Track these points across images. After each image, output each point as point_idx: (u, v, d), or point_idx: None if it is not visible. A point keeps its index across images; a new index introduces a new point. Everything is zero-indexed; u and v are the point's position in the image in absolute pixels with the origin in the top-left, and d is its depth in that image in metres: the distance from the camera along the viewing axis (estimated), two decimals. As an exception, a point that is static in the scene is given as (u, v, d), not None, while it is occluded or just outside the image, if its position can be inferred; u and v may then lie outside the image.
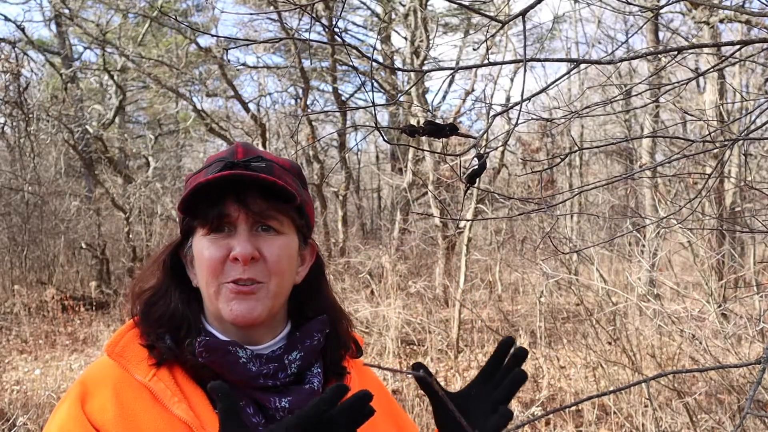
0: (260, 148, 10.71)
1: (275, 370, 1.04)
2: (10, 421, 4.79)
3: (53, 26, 14.28)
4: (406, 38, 11.18)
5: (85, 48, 14.57)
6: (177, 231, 1.14)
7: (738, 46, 1.60)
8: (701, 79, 8.71)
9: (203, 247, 1.05)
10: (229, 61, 10.27)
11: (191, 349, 1.03)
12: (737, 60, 2.57)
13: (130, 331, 1.08)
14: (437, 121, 0.88)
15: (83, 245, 11.79)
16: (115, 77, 12.31)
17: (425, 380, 0.95)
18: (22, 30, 10.52)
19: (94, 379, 1.03)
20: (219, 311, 1.04)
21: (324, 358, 1.12)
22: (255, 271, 1.03)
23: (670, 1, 1.31)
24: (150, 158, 13.31)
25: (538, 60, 1.05)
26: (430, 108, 10.08)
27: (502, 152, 9.93)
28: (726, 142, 1.50)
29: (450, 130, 0.85)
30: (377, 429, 1.10)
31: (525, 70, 0.85)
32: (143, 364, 1.03)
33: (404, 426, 1.22)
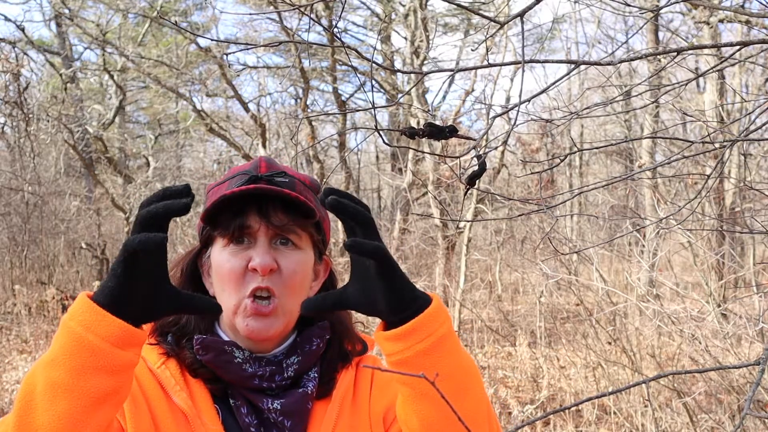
0: (260, 148, 10.75)
1: (272, 373, 1.06)
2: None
3: (53, 26, 14.29)
4: (406, 38, 11.18)
5: (85, 48, 14.57)
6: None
7: (738, 47, 1.60)
8: (701, 79, 8.71)
9: (224, 260, 1.07)
10: (230, 64, 10.26)
11: (189, 346, 1.08)
12: (737, 61, 2.57)
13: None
14: (437, 122, 0.89)
15: (83, 245, 11.78)
16: (115, 77, 12.30)
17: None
18: (22, 30, 10.52)
19: None
20: (234, 325, 1.07)
21: (322, 365, 1.13)
22: (272, 282, 1.05)
23: (670, 2, 1.31)
24: (150, 158, 13.31)
25: (537, 61, 1.06)
26: (430, 108, 10.08)
27: (502, 152, 9.93)
28: (725, 143, 1.50)
29: (450, 131, 0.86)
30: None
31: (523, 72, 0.86)
32: (154, 352, 1.09)
33: None
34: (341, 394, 1.11)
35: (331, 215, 1.01)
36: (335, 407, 1.09)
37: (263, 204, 1.05)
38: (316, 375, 1.10)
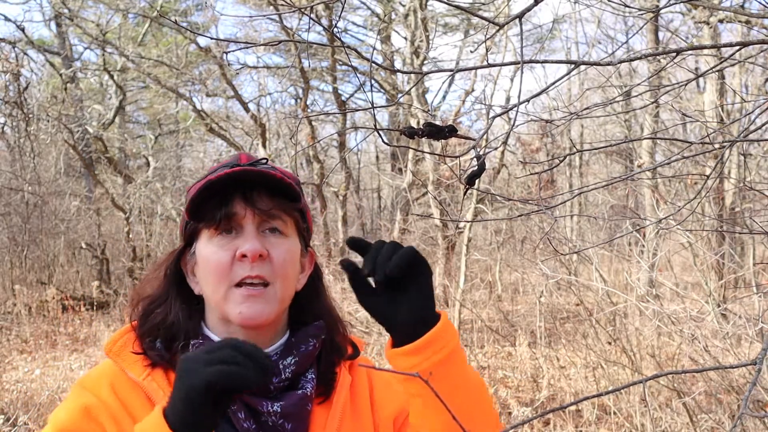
0: (260, 148, 10.74)
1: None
2: (11, 420, 4.80)
3: (53, 26, 14.27)
4: (406, 38, 11.18)
5: (85, 48, 14.55)
6: (177, 233, 1.16)
7: (737, 47, 1.60)
8: (701, 79, 8.71)
9: (210, 252, 1.05)
10: (229, 63, 10.26)
11: (181, 351, 1.04)
12: (737, 61, 2.57)
13: (128, 333, 1.10)
14: (437, 122, 0.89)
15: (83, 245, 11.78)
16: (115, 77, 12.30)
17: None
18: (22, 30, 10.52)
19: (91, 379, 1.06)
20: (227, 315, 1.04)
21: (318, 364, 1.11)
22: (263, 269, 1.03)
23: (670, 2, 1.31)
24: (150, 158, 13.31)
25: (537, 62, 1.06)
26: (430, 108, 10.08)
27: (502, 152, 9.93)
28: (725, 143, 1.51)
29: (449, 131, 0.86)
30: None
31: (522, 73, 0.86)
32: (138, 364, 1.05)
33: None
34: (342, 398, 1.10)
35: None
36: (337, 411, 1.08)
37: (247, 190, 1.04)
38: (313, 376, 1.09)
